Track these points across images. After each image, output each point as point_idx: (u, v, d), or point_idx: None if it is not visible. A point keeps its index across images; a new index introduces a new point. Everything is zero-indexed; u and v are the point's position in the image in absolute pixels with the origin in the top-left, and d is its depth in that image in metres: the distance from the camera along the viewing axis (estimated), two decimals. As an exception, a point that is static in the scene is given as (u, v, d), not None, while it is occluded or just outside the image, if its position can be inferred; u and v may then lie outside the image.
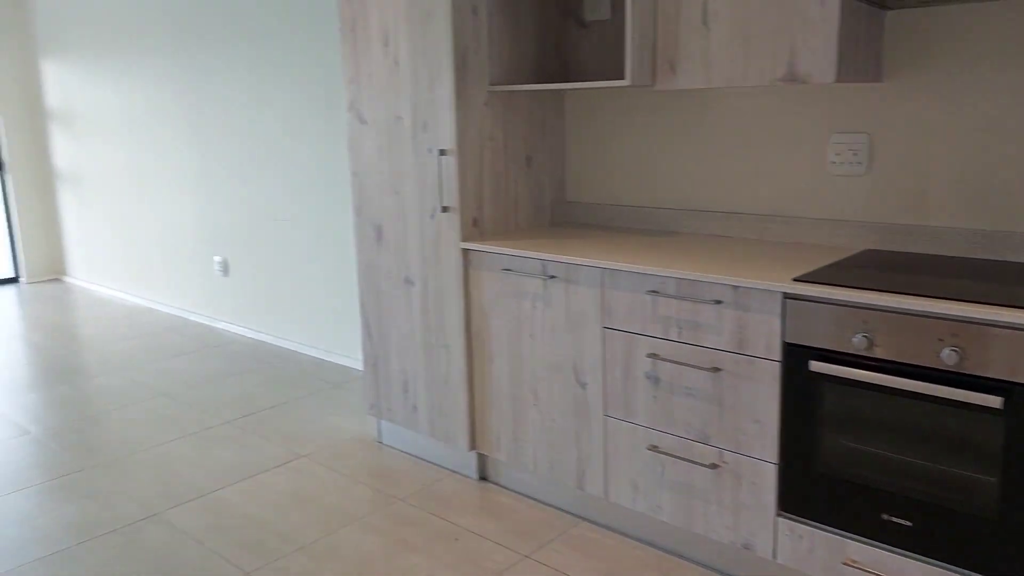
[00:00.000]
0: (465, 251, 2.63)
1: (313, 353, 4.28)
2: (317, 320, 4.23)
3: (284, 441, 3.21)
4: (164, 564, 2.35)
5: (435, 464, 2.96)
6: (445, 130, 2.58)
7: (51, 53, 5.89)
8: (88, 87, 5.59)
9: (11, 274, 6.43)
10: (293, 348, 4.41)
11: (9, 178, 6.21)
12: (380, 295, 2.95)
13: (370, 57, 2.77)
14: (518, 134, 2.78)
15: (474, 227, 2.65)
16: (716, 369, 2.07)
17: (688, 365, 2.13)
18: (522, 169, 2.81)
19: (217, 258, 4.83)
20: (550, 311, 2.43)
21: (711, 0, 2.15)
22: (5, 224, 6.35)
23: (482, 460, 2.84)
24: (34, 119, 6.24)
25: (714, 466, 2.13)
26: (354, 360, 4.04)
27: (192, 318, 5.13)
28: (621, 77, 2.73)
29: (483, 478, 2.84)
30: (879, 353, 1.79)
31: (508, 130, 2.73)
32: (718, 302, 2.04)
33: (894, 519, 1.84)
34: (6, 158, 6.17)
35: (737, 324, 2.01)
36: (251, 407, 3.58)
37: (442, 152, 2.60)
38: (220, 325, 4.91)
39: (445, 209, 2.63)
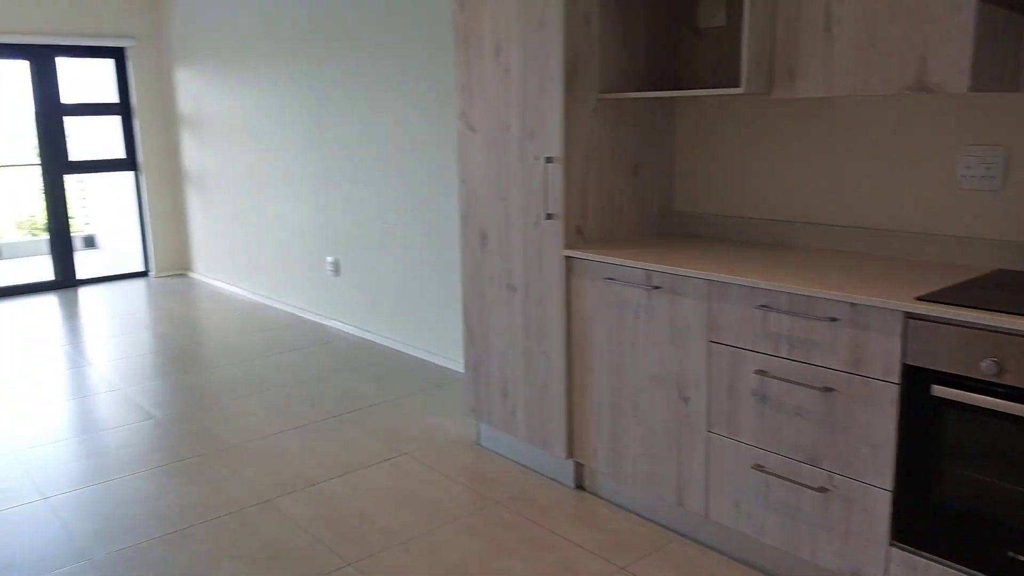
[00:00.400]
0: (568, 259, 2.64)
1: (416, 354, 4.39)
2: (421, 322, 4.34)
3: (387, 438, 3.30)
4: (272, 549, 2.46)
5: (532, 470, 2.97)
6: (552, 138, 2.59)
7: (183, 62, 6.29)
8: (216, 93, 5.94)
9: (141, 268, 6.90)
10: (398, 348, 4.53)
11: (143, 179, 6.67)
12: (483, 300, 2.99)
13: (481, 65, 2.82)
14: (626, 142, 2.76)
15: (578, 235, 2.65)
16: (828, 389, 1.99)
17: (798, 384, 2.05)
18: (629, 178, 2.79)
19: (329, 259, 5.02)
20: (653, 322, 2.40)
21: (835, 5, 2.07)
22: (138, 221, 6.82)
23: (579, 469, 2.83)
24: (167, 124, 6.68)
25: (823, 489, 2.04)
26: (455, 363, 4.12)
27: (304, 316, 5.36)
28: (735, 85, 2.66)
29: (579, 487, 2.83)
30: (1010, 380, 1.67)
31: (616, 138, 2.72)
32: (833, 319, 1.96)
33: (1020, 557, 1.71)
34: (141, 160, 6.62)
35: (853, 343, 1.93)
36: (356, 403, 3.70)
37: (548, 160, 2.61)
38: (330, 323, 5.10)
39: (549, 216, 2.64)
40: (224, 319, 5.36)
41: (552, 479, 2.90)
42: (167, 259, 6.87)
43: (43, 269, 7.11)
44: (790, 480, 2.11)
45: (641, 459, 2.52)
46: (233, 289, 6.21)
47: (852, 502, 1.99)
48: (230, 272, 6.24)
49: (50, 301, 6.03)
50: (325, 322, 5.14)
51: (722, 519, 2.31)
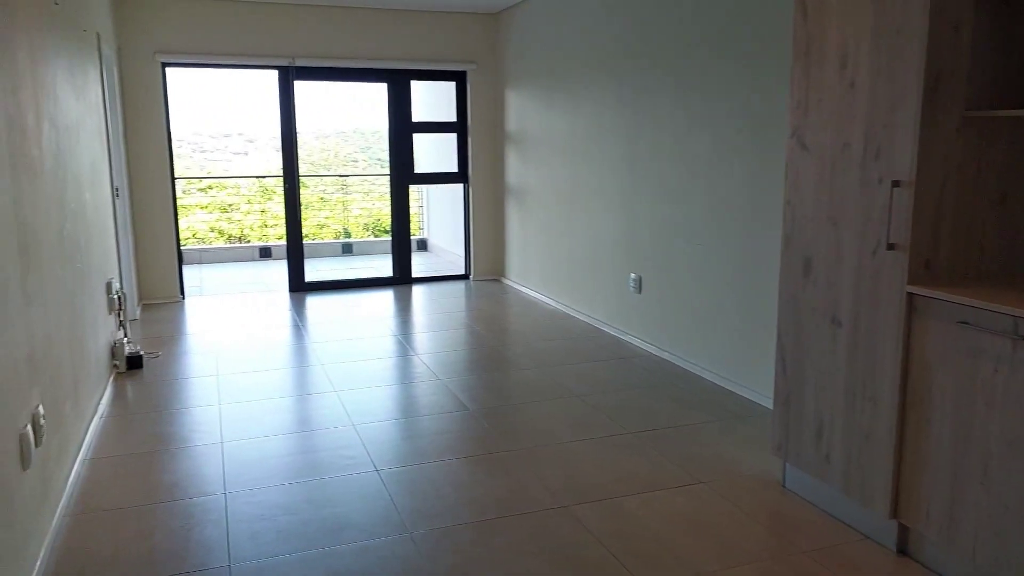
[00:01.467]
0: (911, 295, 2.35)
1: (717, 380, 4.24)
2: (725, 347, 4.19)
3: (684, 463, 3.22)
4: (568, 555, 2.52)
5: (845, 523, 2.70)
6: (902, 158, 2.33)
7: (513, 84, 6.79)
8: (539, 112, 6.32)
9: (462, 271, 7.57)
10: (698, 372, 4.42)
11: (471, 190, 7.32)
12: (801, 331, 2.79)
13: (822, 79, 2.64)
14: (993, 166, 2.39)
15: (925, 269, 2.35)
16: None
17: None
18: (994, 206, 2.42)
19: (633, 275, 5.07)
20: (1017, 379, 2.04)
21: None
22: (463, 229, 7.49)
23: (903, 531, 2.51)
24: (495, 141, 7.26)
25: None
26: (760, 395, 3.90)
27: (605, 328, 5.47)
28: None
29: (902, 552, 2.51)
30: None
31: (980, 161, 2.37)
32: None
33: None
34: (471, 173, 7.27)
35: None
36: (653, 423, 3.67)
37: (895, 183, 2.35)
38: (629, 339, 5.15)
39: (891, 247, 2.38)
40: (531, 324, 5.67)
41: (869, 538, 2.60)
42: (485, 264, 7.46)
43: (384, 266, 8.14)
44: None
45: (987, 533, 2.16)
46: (540, 296, 6.55)
47: None
48: (538, 280, 6.60)
49: (388, 296, 6.87)
50: (625, 337, 5.20)
51: (1099, 628, 1.89)
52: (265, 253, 9.10)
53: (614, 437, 3.50)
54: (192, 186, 13.11)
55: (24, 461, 2.35)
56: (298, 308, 6.27)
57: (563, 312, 6.05)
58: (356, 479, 3.10)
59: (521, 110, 6.71)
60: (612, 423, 3.67)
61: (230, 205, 11.87)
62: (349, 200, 14.06)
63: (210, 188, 13.84)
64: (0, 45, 2.41)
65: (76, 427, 3.25)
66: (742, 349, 4.05)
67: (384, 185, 10.26)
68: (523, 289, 6.90)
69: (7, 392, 2.23)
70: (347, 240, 9.58)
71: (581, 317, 5.81)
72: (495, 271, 7.50)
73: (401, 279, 7.27)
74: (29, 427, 2.41)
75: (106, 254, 4.46)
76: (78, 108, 3.85)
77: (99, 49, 4.76)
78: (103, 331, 4.20)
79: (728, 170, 4.07)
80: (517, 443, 3.45)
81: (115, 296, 4.52)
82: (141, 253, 6.30)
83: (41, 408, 2.59)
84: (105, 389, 4.07)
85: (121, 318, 4.72)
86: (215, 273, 8.22)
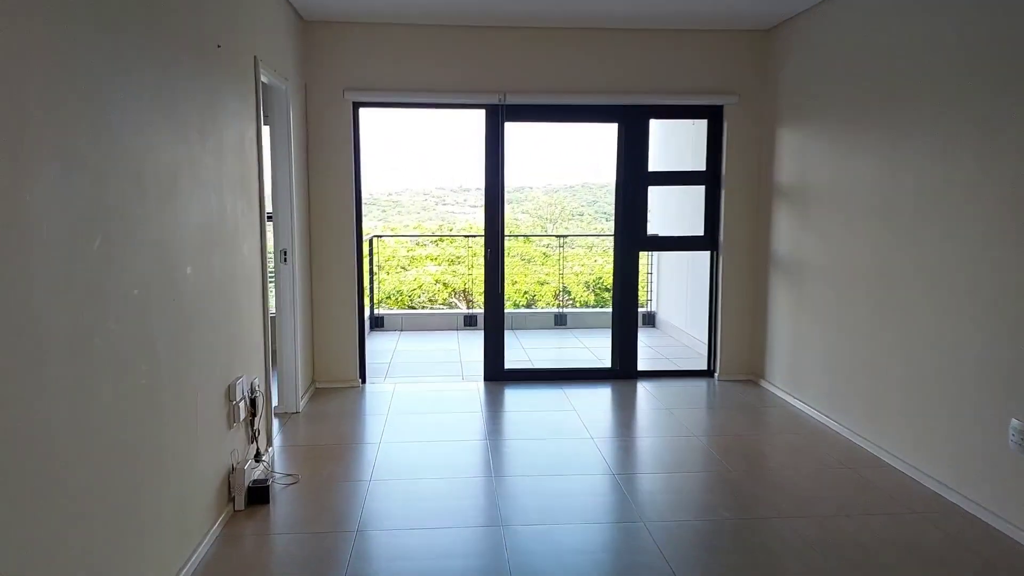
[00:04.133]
0: None
1: None
2: None
3: None
4: None
5: None
6: None
7: (790, 121, 5.01)
8: (832, 156, 4.48)
9: (704, 365, 5.79)
10: None
11: (721, 260, 5.57)
12: None
13: None
14: None
15: None
16: None
17: None
18: None
19: (1016, 422, 3.04)
20: None
21: None
22: (708, 310, 5.73)
23: None
24: (757, 197, 5.48)
25: None
26: None
27: (954, 499, 3.44)
28: None
29: None
30: None
31: None
32: None
33: None
34: (722, 238, 5.54)
35: None
36: None
37: None
38: (1007, 529, 3.10)
39: None
40: (814, 473, 3.77)
41: None
42: (736, 359, 5.63)
43: (602, 347, 6.58)
44: None
45: None
46: (821, 418, 4.61)
47: None
48: (819, 394, 4.66)
49: (604, 397, 5.28)
50: (996, 523, 3.15)
51: None
52: (470, 321, 7.95)
53: None
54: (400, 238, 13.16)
55: None
56: (492, 410, 4.87)
57: (866, 453, 4.06)
58: None
59: (801, 155, 4.90)
60: None
61: (457, 258, 11.92)
62: (570, 255, 12.87)
63: (440, 241, 13.94)
64: None
65: (82, 668, 1.97)
66: None
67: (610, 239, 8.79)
68: (793, 402, 4.97)
69: None
70: (560, 310, 8.16)
71: (903, 468, 3.80)
72: (750, 369, 5.63)
73: (623, 372, 5.64)
74: None
75: (233, 347, 3.32)
76: (182, 151, 2.73)
77: (256, 75, 3.73)
78: (213, 453, 3.02)
79: None
80: None
81: (242, 401, 3.36)
82: (319, 328, 5.27)
83: None
84: (202, 542, 2.86)
85: (255, 427, 3.56)
86: (411, 344, 7.14)
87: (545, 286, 11.78)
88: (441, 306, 11.43)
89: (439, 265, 12.05)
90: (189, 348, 2.77)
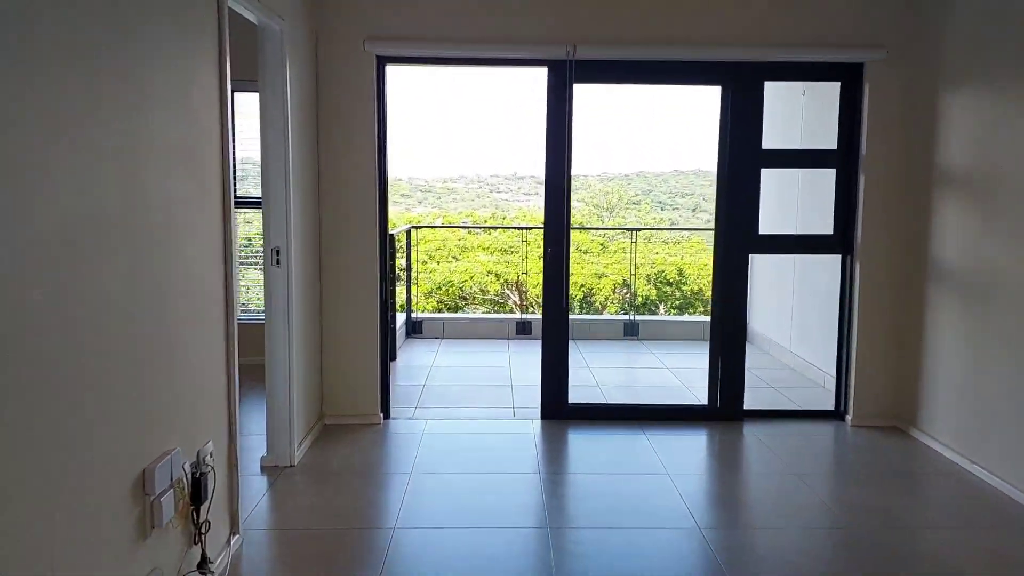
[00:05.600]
0: None
1: None
2: None
3: None
4: None
5: None
6: None
7: (966, 80, 3.62)
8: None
9: (831, 403, 4.44)
10: None
11: (857, 267, 4.21)
12: None
13: None
14: None
15: None
16: None
17: None
18: None
19: None
20: None
21: None
22: (839, 334, 4.37)
23: None
24: (910, 184, 4.09)
25: None
26: None
27: None
28: None
29: None
30: None
31: None
32: None
33: None
34: (859, 238, 4.18)
35: None
36: None
37: None
38: None
39: None
40: (991, 559, 2.43)
41: None
42: (876, 399, 4.26)
43: (687, 368, 5.29)
44: None
45: None
46: (1004, 487, 3.25)
47: None
48: (1003, 453, 3.29)
49: (699, 446, 4.00)
50: None
51: None
52: (523, 328, 6.72)
53: None
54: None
55: None
56: (552, 469, 3.62)
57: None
58: None
59: (983, 130, 3.51)
60: None
61: (510, 247, 11.40)
62: (628, 245, 11.85)
63: (492, 230, 13.46)
64: None
65: None
66: None
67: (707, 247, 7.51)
68: (970, 467, 3.59)
69: None
70: (632, 318, 6.86)
71: None
72: (895, 413, 4.26)
73: (724, 410, 4.33)
74: None
75: (157, 407, 2.16)
76: (37, 101, 1.56)
77: (218, 7, 2.55)
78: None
79: None
80: None
81: (170, 491, 2.19)
82: (329, 348, 4.11)
83: None
84: None
85: (201, 520, 2.39)
86: (452, 358, 5.95)
87: (603, 279, 10.86)
88: (490, 308, 10.72)
89: (491, 255, 11.48)
90: (40, 425, 1.61)
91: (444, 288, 10.80)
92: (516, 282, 10.69)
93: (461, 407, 4.57)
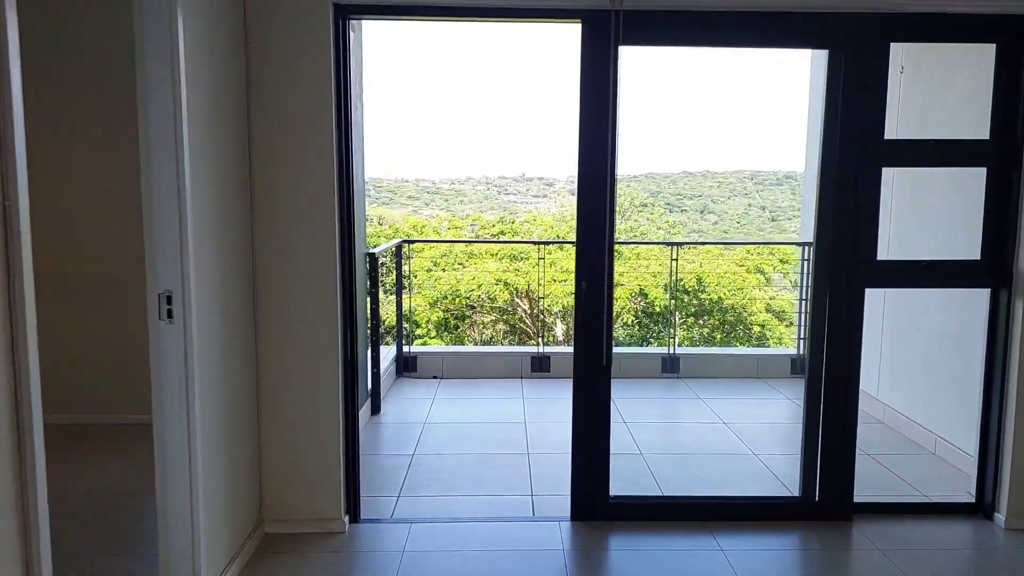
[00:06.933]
0: None
1: None
2: None
3: None
4: None
5: None
6: None
7: None
8: None
9: (971, 493, 3.19)
10: None
11: (1017, 306, 2.96)
12: None
13: None
14: None
15: None
16: None
17: None
18: None
19: None
20: None
21: None
22: (985, 401, 3.12)
23: None
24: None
25: None
26: None
27: None
28: None
29: None
30: None
31: None
32: None
33: None
34: (1020, 267, 2.94)
35: None
36: None
37: None
38: None
39: None
40: None
41: None
42: (1048, 496, 3.02)
43: (749, 420, 4.05)
44: None
45: None
46: None
47: None
48: None
49: (799, 563, 2.76)
50: None
51: None
52: (540, 366, 5.49)
53: None
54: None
55: None
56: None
57: None
58: None
59: None
60: None
61: (520, 253, 10.77)
62: (644, 252, 11.15)
63: (502, 233, 13.12)
64: None
65: None
66: None
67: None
68: None
69: None
70: (670, 352, 5.60)
71: None
72: (1072, 512, 3.01)
73: (826, 505, 3.08)
74: None
75: None
76: None
77: None
78: None
79: None
80: None
81: None
82: (269, 424, 2.89)
83: None
84: None
85: None
86: (452, 406, 4.73)
87: (618, 288, 9.94)
88: (498, 317, 10.10)
89: (500, 261, 10.75)
90: None
91: (450, 298, 10.12)
92: (526, 291, 10.04)
93: (461, 495, 3.34)
